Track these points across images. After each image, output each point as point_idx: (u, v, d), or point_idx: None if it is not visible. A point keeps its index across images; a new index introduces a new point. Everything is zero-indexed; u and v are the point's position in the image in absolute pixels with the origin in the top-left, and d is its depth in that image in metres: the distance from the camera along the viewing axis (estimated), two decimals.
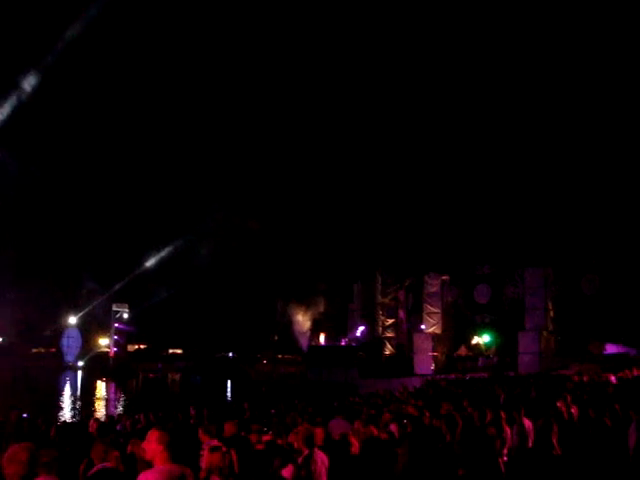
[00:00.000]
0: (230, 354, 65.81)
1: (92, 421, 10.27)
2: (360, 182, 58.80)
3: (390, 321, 45.74)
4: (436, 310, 40.41)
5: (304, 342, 52.66)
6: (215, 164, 62.87)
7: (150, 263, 58.85)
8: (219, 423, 8.61)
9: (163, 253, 58.24)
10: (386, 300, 45.82)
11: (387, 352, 45.04)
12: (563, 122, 45.57)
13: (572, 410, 9.46)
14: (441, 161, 52.26)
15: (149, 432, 4.63)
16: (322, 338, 50.50)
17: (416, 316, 42.79)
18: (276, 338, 61.82)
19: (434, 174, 52.31)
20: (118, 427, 11.00)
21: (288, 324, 54.34)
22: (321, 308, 53.50)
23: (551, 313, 37.13)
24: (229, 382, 47.50)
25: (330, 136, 58.94)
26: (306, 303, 53.85)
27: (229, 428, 7.57)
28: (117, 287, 58.80)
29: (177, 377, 56.17)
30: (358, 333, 47.28)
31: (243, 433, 7.84)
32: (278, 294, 55.56)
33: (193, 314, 61.31)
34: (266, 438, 7.20)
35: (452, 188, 51.37)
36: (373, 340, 45.52)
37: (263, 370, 57.40)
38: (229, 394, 40.96)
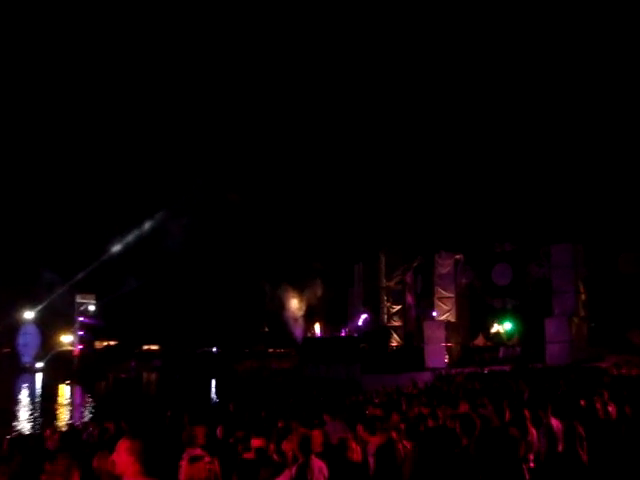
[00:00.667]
0: (214, 349, 66.12)
1: (49, 432, 10.23)
2: (362, 148, 59.32)
3: (396, 307, 45.94)
4: (449, 294, 40.48)
5: (298, 332, 52.90)
6: (187, 126, 62.19)
7: (117, 247, 58.72)
8: (203, 428, 8.61)
9: (132, 235, 58.05)
10: (392, 284, 45.89)
11: (394, 343, 45.35)
12: (595, 92, 46.81)
13: (609, 408, 9.39)
14: (451, 125, 52.37)
15: (119, 442, 4.61)
16: (318, 328, 50.87)
17: (426, 301, 42.85)
18: (266, 329, 62.14)
19: (443, 138, 53.21)
20: (84, 437, 10.91)
21: (279, 311, 54.37)
22: (317, 292, 53.49)
23: (583, 296, 37.10)
24: (213, 381, 47.80)
25: (329, 101, 58.60)
26: (300, 286, 53.93)
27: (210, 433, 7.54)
28: (80, 276, 58.56)
29: (153, 377, 56.51)
30: (360, 322, 47.41)
31: (232, 440, 7.88)
32: (266, 276, 55.58)
33: (170, 304, 61.30)
34: (257, 443, 7.15)
35: (466, 153, 52.24)
36: (377, 330, 45.75)
37: (252, 366, 57.39)
38: (213, 395, 41.20)
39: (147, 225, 57.53)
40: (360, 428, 7.97)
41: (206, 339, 65.19)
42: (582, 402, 9.70)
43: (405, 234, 46.73)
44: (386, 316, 46.02)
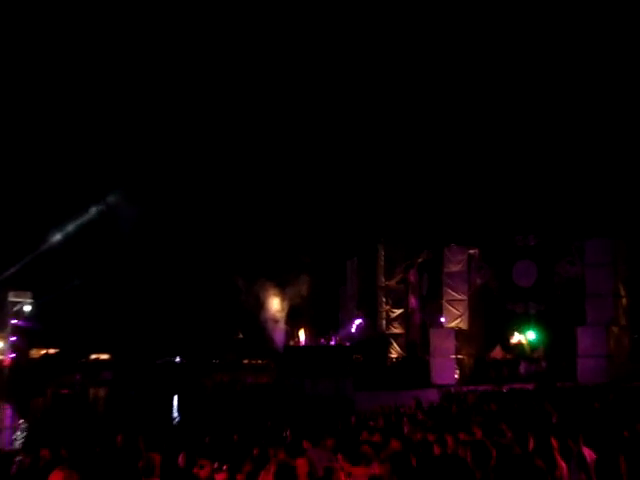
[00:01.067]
0: (176, 359, 66.05)
1: None
2: (358, 124, 58.90)
3: (397, 312, 46.12)
4: (461, 296, 40.60)
5: (279, 340, 52.99)
6: (137, 90, 61.39)
7: (58, 237, 57.42)
8: (162, 455, 8.69)
9: (75, 223, 56.75)
10: (392, 283, 46.06)
11: (393, 354, 45.53)
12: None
13: None
14: (467, 101, 52.49)
15: (52, 473, 4.65)
16: (302, 335, 51.03)
17: (433, 305, 43.00)
18: (240, 336, 62.33)
19: (455, 113, 52.62)
20: (13, 469, 10.88)
21: (255, 314, 54.35)
22: (303, 291, 53.53)
23: (624, 301, 37.02)
24: (175, 398, 48.20)
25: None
26: (281, 283, 53.88)
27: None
28: (12, 270, 56.85)
29: (102, 393, 56.09)
30: (353, 328, 47.49)
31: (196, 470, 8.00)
32: (239, 270, 55.16)
33: (122, 305, 60.74)
34: (219, 478, 7.18)
35: (484, 128, 51.30)
36: (374, 338, 45.96)
37: (223, 380, 57.26)
38: (175, 414, 41.59)
39: (93, 211, 56.32)
40: (340, 457, 8.01)
41: (167, 347, 64.79)
42: (622, 429, 9.61)
43: (409, 223, 46.85)
44: (385, 322, 46.19)
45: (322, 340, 48.24)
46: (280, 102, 58.19)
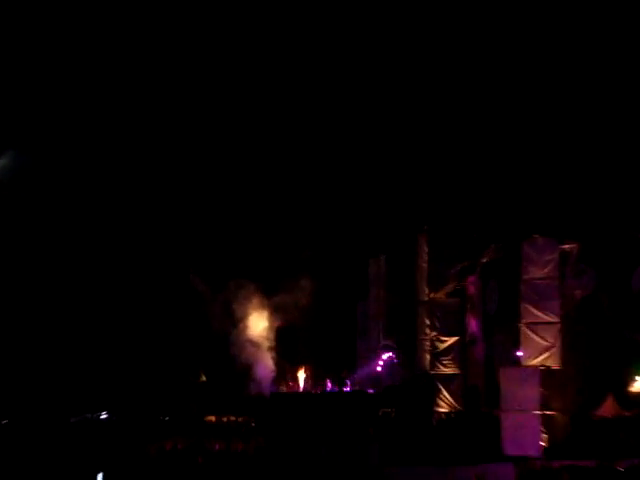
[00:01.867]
0: (102, 415, 64.18)
1: None
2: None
3: (449, 341, 46.12)
4: (550, 317, 40.20)
5: (264, 381, 53.09)
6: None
7: None
8: None
9: None
10: (441, 295, 46.25)
11: (443, 408, 45.36)
12: None
13: None
14: None
15: None
16: (302, 376, 50.79)
17: (505, 330, 43.16)
18: (203, 378, 61.41)
19: None
20: None
21: (225, 338, 54.40)
22: (301, 303, 53.70)
23: None
24: (100, 477, 45.73)
25: None
26: (268, 289, 54.09)
27: None
28: None
29: None
30: (379, 366, 48.64)
31: None
32: (198, 266, 55.20)
33: (15, 330, 59.15)
34: None
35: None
36: (412, 382, 46.40)
37: (177, 448, 54.26)
38: None
39: None
40: None
41: (87, 396, 62.15)
42: None
43: (466, 203, 46.59)
44: (429, 356, 45.91)
45: (331, 384, 48.35)
46: None
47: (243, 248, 54.18)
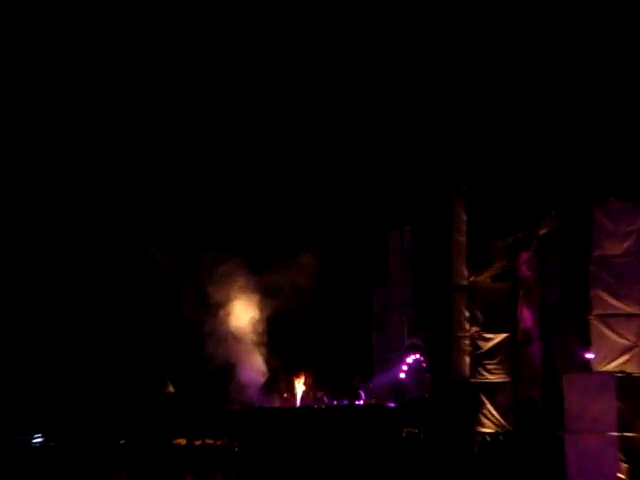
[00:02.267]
0: (37, 439, 64.21)
1: None
2: None
3: (496, 338, 45.57)
4: (630, 308, 38.89)
5: (251, 390, 52.90)
6: None
7: None
8: None
9: None
10: (484, 278, 45.53)
11: (487, 427, 44.68)
12: None
13: None
14: None
15: None
16: (300, 385, 50.89)
17: (570, 325, 42.64)
18: (170, 388, 60.82)
19: None
20: None
21: (197, 330, 53.93)
22: (301, 285, 53.81)
23: None
24: None
25: None
26: (256, 265, 53.88)
27: None
28: None
29: None
30: (403, 371, 48.55)
31: None
32: (160, 237, 54.99)
33: None
34: None
35: None
36: (447, 391, 46.14)
37: None
38: None
39: None
40: None
41: (17, 415, 62.17)
42: None
43: (517, 158, 46.10)
44: (469, 359, 45.41)
45: (327, 398, 49.13)
46: None
47: (220, 209, 54.76)
